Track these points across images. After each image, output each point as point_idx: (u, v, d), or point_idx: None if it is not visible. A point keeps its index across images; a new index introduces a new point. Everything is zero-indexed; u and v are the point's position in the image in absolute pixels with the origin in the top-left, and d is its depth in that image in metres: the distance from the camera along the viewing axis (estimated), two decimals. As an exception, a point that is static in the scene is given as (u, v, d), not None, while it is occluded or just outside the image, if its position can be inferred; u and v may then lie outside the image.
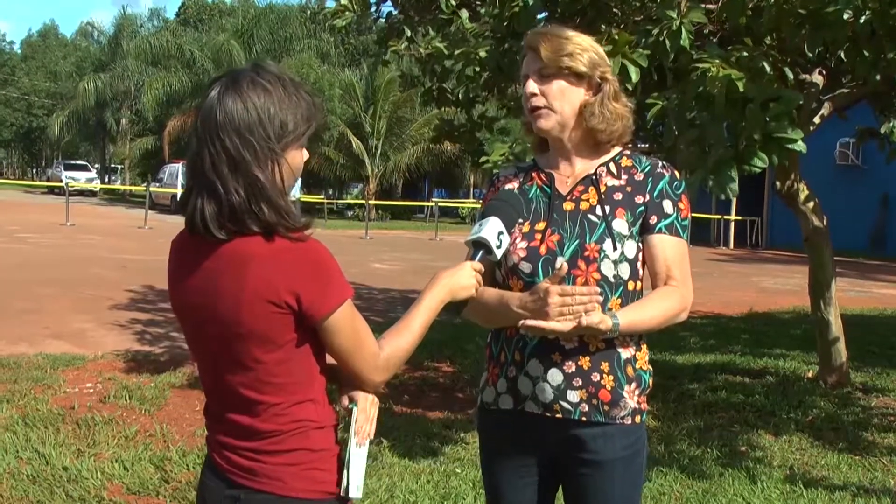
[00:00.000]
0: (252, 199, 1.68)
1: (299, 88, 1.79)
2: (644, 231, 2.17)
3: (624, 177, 2.21)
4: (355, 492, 1.70)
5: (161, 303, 9.72)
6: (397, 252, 19.11)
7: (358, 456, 1.74)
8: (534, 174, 2.28)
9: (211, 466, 1.85)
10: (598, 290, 2.05)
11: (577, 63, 2.15)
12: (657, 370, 7.57)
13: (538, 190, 2.25)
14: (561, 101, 2.17)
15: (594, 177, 2.21)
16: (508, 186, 2.29)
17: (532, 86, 2.19)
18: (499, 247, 2.06)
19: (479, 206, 2.41)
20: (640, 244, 2.17)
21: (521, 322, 2.03)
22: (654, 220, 2.16)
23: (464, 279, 1.99)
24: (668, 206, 2.18)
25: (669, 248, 2.16)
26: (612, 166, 2.23)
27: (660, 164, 2.24)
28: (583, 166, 2.24)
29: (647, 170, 2.21)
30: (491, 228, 2.06)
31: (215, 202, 1.69)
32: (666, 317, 2.13)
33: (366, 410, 1.78)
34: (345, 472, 1.70)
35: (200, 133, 1.72)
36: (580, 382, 2.12)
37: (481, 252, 2.06)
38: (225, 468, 1.81)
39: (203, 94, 1.77)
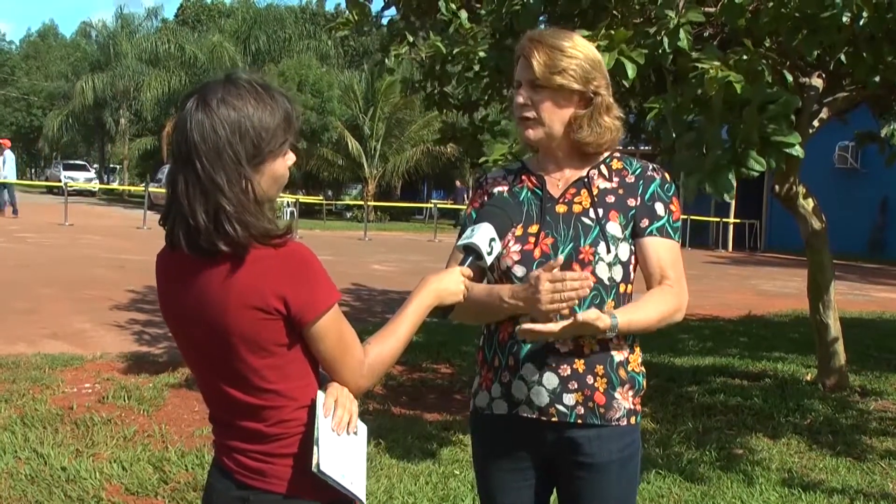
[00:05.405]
0: (225, 222, 1.67)
1: (274, 95, 1.76)
2: (635, 234, 2.17)
3: (616, 179, 2.22)
4: (327, 466, 1.70)
5: (159, 305, 9.68)
6: (396, 253, 19.10)
7: (333, 437, 1.74)
8: (524, 177, 2.28)
9: (219, 468, 1.85)
10: (589, 274, 2.05)
11: (569, 81, 2.14)
12: (655, 373, 7.56)
13: (529, 193, 2.25)
14: (550, 115, 2.17)
15: (586, 179, 2.21)
16: (498, 189, 2.29)
17: (523, 97, 2.19)
18: (489, 253, 2.05)
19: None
20: (633, 247, 2.17)
21: (518, 327, 2.03)
22: (645, 223, 2.17)
23: (452, 284, 1.98)
24: (660, 208, 2.19)
25: (662, 250, 2.17)
26: (603, 169, 2.23)
27: (650, 166, 2.25)
28: (573, 169, 2.24)
29: (637, 172, 2.22)
30: (483, 234, 2.05)
31: (186, 225, 1.69)
32: (662, 316, 2.13)
33: (344, 404, 1.78)
34: (315, 448, 1.70)
35: (175, 154, 1.72)
36: (575, 385, 2.12)
37: (471, 258, 2.05)
38: (234, 469, 1.81)
39: (178, 108, 1.76)
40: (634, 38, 4.41)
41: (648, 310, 2.11)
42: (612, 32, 4.27)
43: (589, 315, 1.96)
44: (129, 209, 31.53)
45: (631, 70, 4.23)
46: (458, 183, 35.38)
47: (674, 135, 4.45)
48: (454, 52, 5.41)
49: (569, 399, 2.12)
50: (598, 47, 4.00)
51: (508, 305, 2.09)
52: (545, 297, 2.00)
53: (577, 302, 2.03)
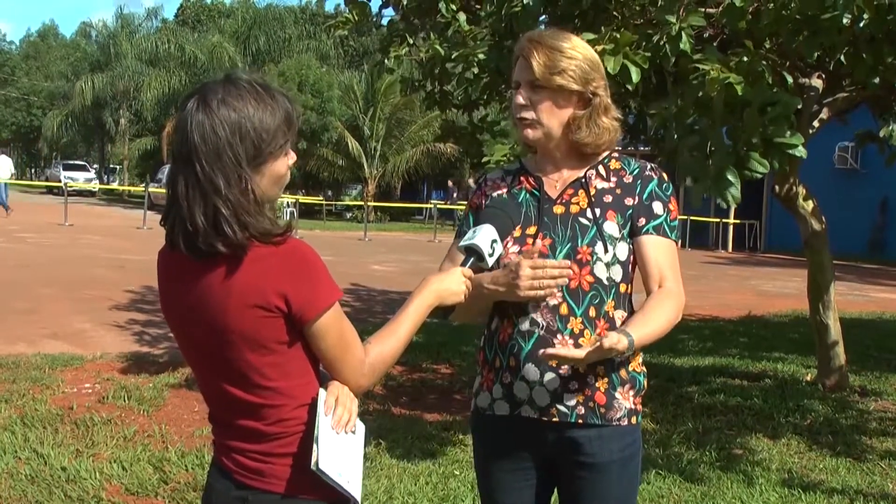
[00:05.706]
0: (224, 223, 1.66)
1: (275, 95, 1.76)
2: (633, 233, 2.17)
3: (613, 179, 2.22)
4: (325, 465, 1.70)
5: (160, 303, 9.69)
6: (396, 254, 19.11)
7: (332, 435, 1.74)
8: (522, 178, 2.28)
9: (218, 468, 1.85)
10: (569, 262, 2.06)
11: (569, 81, 2.14)
12: (655, 373, 7.58)
13: (527, 194, 2.25)
14: (549, 116, 2.18)
15: (583, 180, 2.22)
16: (497, 193, 2.29)
17: (522, 97, 2.19)
18: (491, 255, 2.06)
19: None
20: (632, 246, 2.18)
21: (542, 351, 2.04)
22: (642, 222, 2.17)
23: (453, 285, 1.99)
24: (657, 207, 2.19)
25: (660, 250, 2.17)
26: (600, 169, 2.24)
27: (648, 166, 2.25)
28: (571, 170, 2.24)
29: (635, 172, 2.22)
30: (485, 236, 2.05)
31: (185, 227, 1.69)
32: (669, 323, 2.13)
33: (344, 403, 1.78)
34: (314, 446, 1.70)
35: (175, 155, 1.72)
36: (576, 386, 2.12)
37: (472, 259, 2.05)
38: (233, 470, 1.81)
39: (179, 108, 1.75)
40: (637, 42, 4.41)
41: (658, 320, 2.11)
42: (617, 36, 4.27)
43: (612, 341, 1.96)
44: (129, 209, 31.54)
45: (636, 74, 4.23)
46: (449, 182, 35.40)
47: (675, 137, 4.45)
48: (453, 55, 5.41)
49: (569, 399, 2.12)
50: (603, 51, 4.00)
51: (489, 291, 2.11)
52: (524, 283, 2.03)
53: (555, 290, 2.05)
